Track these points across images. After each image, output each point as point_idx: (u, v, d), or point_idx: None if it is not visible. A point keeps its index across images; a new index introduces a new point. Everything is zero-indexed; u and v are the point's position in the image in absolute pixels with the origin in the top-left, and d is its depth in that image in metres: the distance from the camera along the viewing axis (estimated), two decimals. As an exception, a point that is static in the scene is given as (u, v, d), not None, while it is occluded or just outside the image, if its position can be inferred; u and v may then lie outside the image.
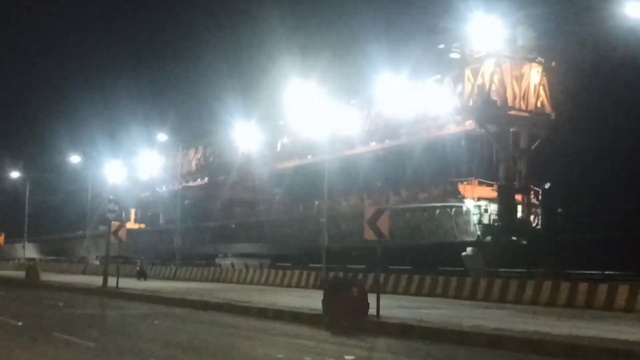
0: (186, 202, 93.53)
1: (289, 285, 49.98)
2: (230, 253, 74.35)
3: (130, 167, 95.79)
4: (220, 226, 75.28)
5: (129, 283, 42.44)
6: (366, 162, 63.02)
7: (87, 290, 39.09)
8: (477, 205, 49.17)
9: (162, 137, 70.54)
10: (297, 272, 50.65)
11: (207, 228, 75.49)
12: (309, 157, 69.08)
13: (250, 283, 54.01)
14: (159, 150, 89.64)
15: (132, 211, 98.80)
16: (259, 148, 73.17)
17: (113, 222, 38.99)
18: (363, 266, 51.51)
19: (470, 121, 51.25)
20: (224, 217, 76.84)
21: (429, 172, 55.47)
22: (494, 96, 49.06)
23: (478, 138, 51.75)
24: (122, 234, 38.15)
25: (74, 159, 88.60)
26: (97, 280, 44.89)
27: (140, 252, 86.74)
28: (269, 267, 67.07)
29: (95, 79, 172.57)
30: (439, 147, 55.07)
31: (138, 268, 56.17)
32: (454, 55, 50.38)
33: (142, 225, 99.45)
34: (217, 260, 74.91)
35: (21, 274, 53.09)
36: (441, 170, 53.97)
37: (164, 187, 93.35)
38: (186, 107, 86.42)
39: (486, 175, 50.74)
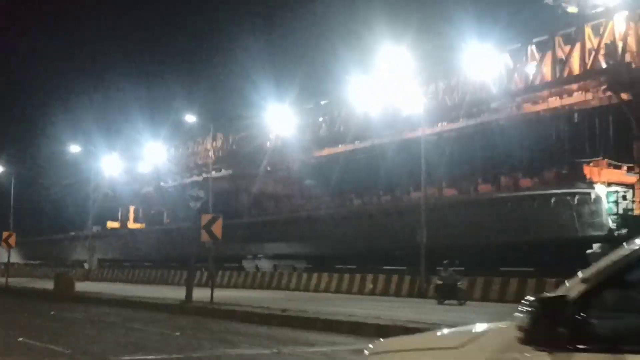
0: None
1: (358, 292, 40.85)
2: (262, 254, 64.48)
3: (130, 159, 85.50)
4: (249, 224, 65.21)
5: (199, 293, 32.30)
6: (431, 146, 53.53)
7: (166, 307, 28.80)
8: (611, 191, 39.77)
9: (190, 118, 60.16)
10: (369, 277, 41.45)
11: (232, 226, 65.18)
12: (357, 142, 59.49)
13: (296, 289, 45.70)
14: (166, 140, 79.43)
15: (131, 209, 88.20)
16: (294, 133, 63.20)
17: (204, 215, 28.85)
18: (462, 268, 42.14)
19: (589, 90, 42.01)
20: (253, 213, 66.80)
21: (528, 153, 46.10)
22: (629, 58, 39.79)
23: (597, 111, 42.53)
24: (216, 229, 27.91)
25: (73, 148, 78.23)
26: (145, 291, 35.35)
27: (144, 256, 76.62)
28: (304, 269, 57.67)
29: (93, 64, 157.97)
30: (539, 124, 45.76)
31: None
32: (572, 9, 41.10)
33: (142, 225, 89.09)
34: (245, 263, 65.14)
35: (44, 284, 42.35)
36: (549, 151, 44.63)
37: (169, 181, 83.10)
38: (203, 91, 75.65)
39: (615, 155, 41.53)
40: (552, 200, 41.25)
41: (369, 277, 41.95)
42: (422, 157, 39.29)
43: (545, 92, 44.05)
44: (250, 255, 65.12)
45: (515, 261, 42.27)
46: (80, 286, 42.32)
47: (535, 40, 44.76)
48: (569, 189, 40.48)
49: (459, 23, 46.31)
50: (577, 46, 41.98)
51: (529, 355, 3.69)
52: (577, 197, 40.17)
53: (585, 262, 40.80)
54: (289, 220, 61.76)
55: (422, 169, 39.40)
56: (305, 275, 48.37)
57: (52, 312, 26.01)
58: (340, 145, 61.72)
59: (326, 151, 62.89)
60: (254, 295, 39.32)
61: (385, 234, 51.13)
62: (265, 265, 63.03)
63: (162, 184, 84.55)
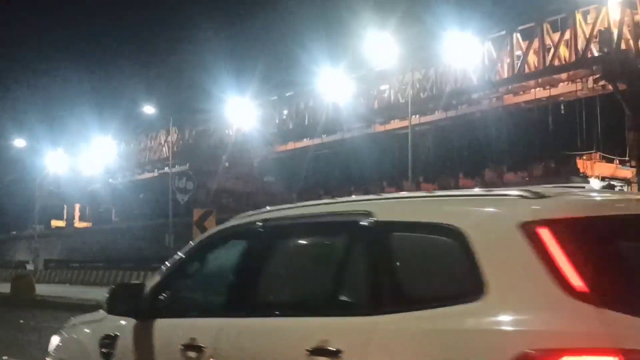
0: (141, 195, 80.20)
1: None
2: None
3: (77, 155, 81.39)
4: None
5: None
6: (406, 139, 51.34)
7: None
8: (607, 186, 37.79)
9: (148, 110, 56.62)
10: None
11: (189, 224, 61.87)
12: (324, 135, 56.84)
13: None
14: (116, 135, 75.62)
15: (77, 207, 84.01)
16: (257, 127, 60.23)
17: (196, 210, 25.87)
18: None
19: (578, 80, 40.11)
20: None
21: (512, 147, 44.05)
22: (623, 45, 37.88)
23: (586, 101, 40.69)
24: (210, 226, 24.90)
25: (17, 143, 74.15)
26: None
27: (94, 256, 72.82)
28: None
29: (38, 54, 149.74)
30: (523, 115, 43.79)
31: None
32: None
33: (89, 224, 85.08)
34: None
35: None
36: (536, 143, 42.64)
37: (119, 178, 79.31)
38: (158, 83, 71.92)
39: (605, 148, 39.71)
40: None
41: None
42: (410, 148, 36.91)
43: (530, 82, 42.01)
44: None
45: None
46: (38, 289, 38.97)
47: (520, 27, 42.64)
48: (561, 183, 38.38)
49: (438, 10, 44.06)
50: (567, 33, 39.98)
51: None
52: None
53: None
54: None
55: (409, 160, 36.98)
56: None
57: (21, 321, 22.78)
58: (306, 139, 59.03)
59: (291, 145, 60.12)
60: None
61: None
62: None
63: (110, 180, 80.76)
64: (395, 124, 51.79)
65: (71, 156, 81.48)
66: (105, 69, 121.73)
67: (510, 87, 43.17)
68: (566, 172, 38.77)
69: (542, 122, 43.01)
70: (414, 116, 50.36)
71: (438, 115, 48.32)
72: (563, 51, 40.56)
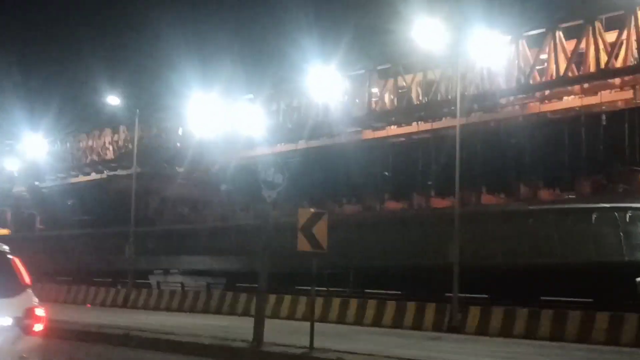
0: (70, 202, 72.16)
1: (354, 322, 32.54)
2: (175, 268, 54.54)
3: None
4: (161, 233, 55.00)
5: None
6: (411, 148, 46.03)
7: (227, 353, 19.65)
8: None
9: (113, 100, 48.92)
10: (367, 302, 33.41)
11: (141, 235, 54.55)
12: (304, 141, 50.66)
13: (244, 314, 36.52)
14: (49, 133, 67.47)
15: (9, 213, 75.24)
16: (224, 128, 53.63)
17: (301, 210, 19.46)
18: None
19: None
20: (166, 220, 56.50)
21: (543, 160, 39.05)
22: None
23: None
24: (320, 233, 18.53)
25: None
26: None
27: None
28: (225, 289, 48.61)
29: None
30: (556, 126, 38.98)
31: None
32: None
33: (7, 231, 76.07)
34: (152, 279, 55.03)
35: None
36: (575, 157, 37.72)
37: (47, 181, 71.02)
38: (105, 76, 63.57)
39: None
40: (593, 216, 34.17)
41: (366, 302, 33.59)
42: (457, 155, 31.31)
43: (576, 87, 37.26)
44: (160, 270, 55.03)
45: (540, 289, 35.11)
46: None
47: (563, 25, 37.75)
48: (618, 202, 33.55)
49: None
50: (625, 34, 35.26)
51: None
52: (629, 214, 33.28)
53: (634, 291, 34.20)
54: (216, 230, 52.09)
55: (457, 167, 31.37)
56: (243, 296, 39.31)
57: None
58: (281, 144, 52.72)
59: (262, 150, 53.72)
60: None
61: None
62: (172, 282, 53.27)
63: (36, 183, 72.43)
64: (392, 130, 46.47)
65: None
66: (36, 58, 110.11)
67: (547, 92, 38.27)
68: (625, 190, 33.99)
69: (578, 133, 38.13)
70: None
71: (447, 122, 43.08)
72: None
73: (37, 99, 68.29)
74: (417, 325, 31.31)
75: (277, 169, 19.60)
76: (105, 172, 63.13)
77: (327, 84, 46.71)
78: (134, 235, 49.26)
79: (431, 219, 39.67)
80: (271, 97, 51.78)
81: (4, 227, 75.46)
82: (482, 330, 29.69)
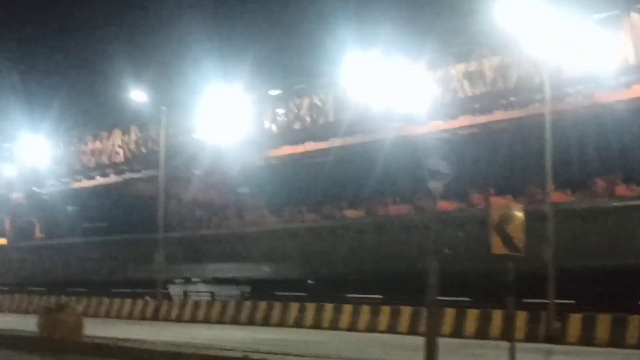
0: (72, 208, 68.52)
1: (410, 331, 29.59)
2: (197, 277, 51.30)
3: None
4: (181, 239, 51.55)
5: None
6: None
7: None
8: None
9: (138, 95, 45.17)
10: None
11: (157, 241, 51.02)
12: (332, 139, 47.36)
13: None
14: (48, 136, 63.65)
15: (7, 221, 71.18)
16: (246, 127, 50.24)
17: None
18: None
19: None
20: (187, 225, 53.06)
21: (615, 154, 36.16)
22: None
23: None
24: (516, 231, 15.38)
25: None
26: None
27: (26, 279, 60.66)
28: (249, 297, 45.79)
29: None
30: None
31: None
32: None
33: (3, 241, 72.00)
34: (172, 289, 51.68)
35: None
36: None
37: (48, 186, 67.14)
38: (115, 73, 59.38)
39: None
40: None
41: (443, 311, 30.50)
42: (548, 145, 28.31)
43: None
44: (181, 278, 51.71)
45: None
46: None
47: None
48: None
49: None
50: None
51: None
52: None
53: None
54: (244, 235, 48.79)
55: (547, 162, 28.36)
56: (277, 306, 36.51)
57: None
58: (300, 144, 49.51)
59: (281, 151, 50.43)
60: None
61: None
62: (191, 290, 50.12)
63: (34, 189, 68.52)
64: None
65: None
66: (36, 57, 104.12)
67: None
68: None
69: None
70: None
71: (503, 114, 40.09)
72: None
73: (37, 100, 64.67)
74: (505, 336, 28.36)
75: (443, 156, 16.39)
76: (111, 175, 59.49)
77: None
78: (152, 242, 46.08)
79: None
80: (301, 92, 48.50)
81: (1, 236, 71.54)
82: (587, 339, 26.79)
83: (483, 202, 38.55)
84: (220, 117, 50.22)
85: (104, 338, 20.85)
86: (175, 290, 51.71)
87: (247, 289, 49.94)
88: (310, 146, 48.08)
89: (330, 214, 44.53)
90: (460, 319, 30.31)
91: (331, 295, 40.28)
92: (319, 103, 46.68)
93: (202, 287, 50.53)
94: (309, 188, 47.25)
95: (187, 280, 51.32)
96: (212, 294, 45.85)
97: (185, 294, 48.53)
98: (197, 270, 50.52)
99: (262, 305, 39.07)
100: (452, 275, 37.11)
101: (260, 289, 46.44)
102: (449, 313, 30.63)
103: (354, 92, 44.47)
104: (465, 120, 42.45)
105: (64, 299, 43.68)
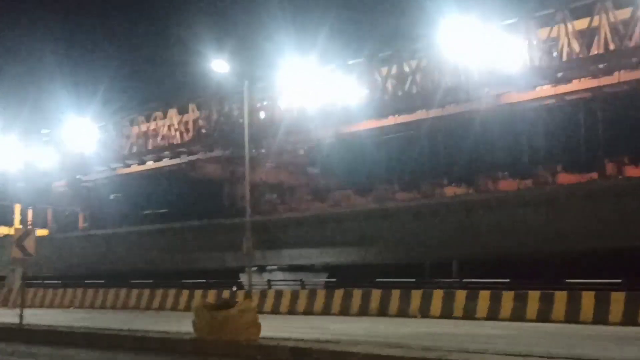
0: (112, 195, 64.68)
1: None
2: (274, 264, 47.47)
3: (36, 143, 64.92)
4: (253, 224, 47.56)
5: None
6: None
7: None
8: None
9: (220, 64, 40.84)
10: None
11: (228, 227, 47.04)
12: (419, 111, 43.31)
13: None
14: (95, 118, 59.68)
15: (17, 208, 66.85)
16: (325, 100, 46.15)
17: None
18: None
19: None
20: (261, 210, 48.97)
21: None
22: None
23: None
24: None
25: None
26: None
27: (78, 271, 56.76)
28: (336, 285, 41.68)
29: None
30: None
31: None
32: None
33: (45, 232, 68.04)
34: (243, 278, 47.78)
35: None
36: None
37: (93, 174, 63.23)
38: (165, 51, 54.77)
39: None
40: None
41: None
42: None
43: None
44: (254, 266, 47.73)
45: None
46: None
47: None
48: None
49: None
50: None
51: None
52: None
53: None
54: (324, 218, 44.83)
55: None
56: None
57: None
58: (385, 118, 45.38)
59: (365, 125, 46.35)
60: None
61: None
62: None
63: (78, 177, 64.65)
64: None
65: (30, 145, 64.92)
66: (81, 35, 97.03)
67: None
68: None
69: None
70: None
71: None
72: None
73: (83, 81, 60.62)
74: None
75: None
76: (166, 159, 55.53)
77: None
78: (223, 228, 42.22)
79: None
80: (382, 61, 44.42)
81: (43, 227, 67.60)
82: None
83: (616, 171, 34.63)
84: (297, 92, 46.25)
85: (286, 339, 16.98)
86: (245, 278, 47.96)
87: (324, 276, 46.31)
88: (396, 119, 44.11)
89: (429, 192, 40.51)
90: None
91: (437, 280, 36.54)
92: (407, 69, 42.60)
93: (278, 275, 46.62)
94: (398, 165, 43.23)
95: (261, 269, 47.39)
96: (302, 282, 41.88)
97: (269, 283, 44.62)
98: (273, 256, 46.60)
99: (357, 293, 35.38)
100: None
101: (346, 276, 42.52)
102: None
103: (449, 57, 40.44)
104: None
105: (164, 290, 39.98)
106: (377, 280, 38.49)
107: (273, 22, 47.41)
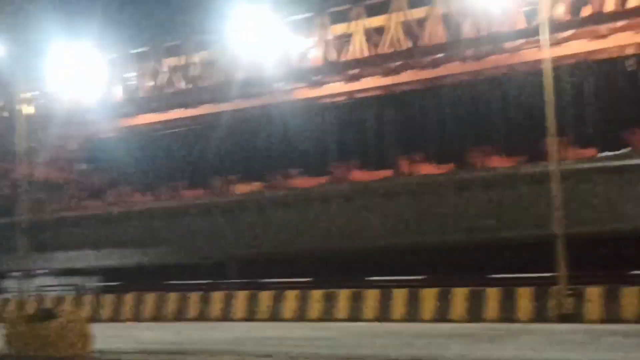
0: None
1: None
2: (46, 268, 43.84)
3: None
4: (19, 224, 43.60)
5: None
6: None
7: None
8: None
9: None
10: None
11: None
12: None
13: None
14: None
15: None
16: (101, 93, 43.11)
17: None
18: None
19: None
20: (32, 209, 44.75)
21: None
22: None
23: None
24: None
25: None
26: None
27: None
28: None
29: None
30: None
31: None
32: None
33: None
34: (9, 283, 44.03)
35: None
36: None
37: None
38: None
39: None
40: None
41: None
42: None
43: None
44: (21, 270, 43.81)
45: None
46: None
47: None
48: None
49: None
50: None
51: None
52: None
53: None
54: (105, 218, 41.80)
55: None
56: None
57: None
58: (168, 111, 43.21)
59: (141, 119, 43.81)
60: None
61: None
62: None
63: None
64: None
65: None
66: None
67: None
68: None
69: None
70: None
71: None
72: None
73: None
74: (506, 317, 24.86)
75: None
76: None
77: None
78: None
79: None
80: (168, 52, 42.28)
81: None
82: (611, 316, 23.78)
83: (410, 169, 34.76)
84: (72, 82, 42.90)
85: (126, 353, 14.63)
86: (13, 283, 44.01)
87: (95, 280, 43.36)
88: (184, 113, 42.21)
89: (220, 189, 38.80)
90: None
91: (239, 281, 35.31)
92: (196, 61, 40.83)
93: (50, 280, 43.11)
94: (185, 161, 41.18)
95: (27, 273, 43.47)
96: (77, 286, 38.73)
97: (39, 288, 41.00)
98: (44, 260, 42.99)
99: (151, 297, 33.56)
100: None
101: (132, 279, 40.02)
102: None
103: (241, 50, 39.07)
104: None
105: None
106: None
107: (45, 5, 43.14)
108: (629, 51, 32.94)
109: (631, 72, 33.11)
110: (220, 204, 37.86)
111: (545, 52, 25.31)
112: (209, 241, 37.95)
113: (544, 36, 28.50)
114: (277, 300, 29.42)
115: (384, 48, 36.50)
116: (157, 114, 43.39)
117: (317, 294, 28.59)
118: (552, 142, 28.49)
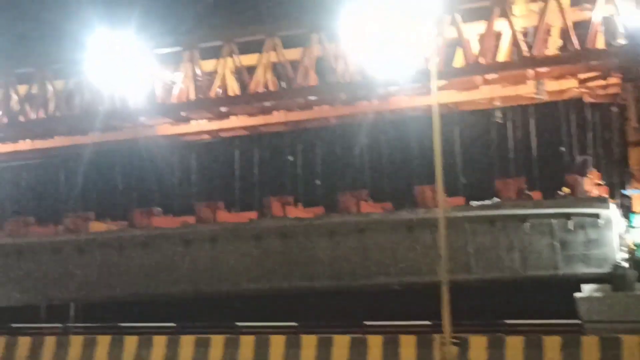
0: None
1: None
2: None
3: None
4: None
5: None
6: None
7: None
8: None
9: None
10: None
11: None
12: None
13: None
14: None
15: None
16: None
17: None
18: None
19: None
20: None
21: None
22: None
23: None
24: None
25: None
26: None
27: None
28: None
29: None
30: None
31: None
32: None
33: None
34: None
35: None
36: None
37: None
38: None
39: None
40: (526, 225, 29.81)
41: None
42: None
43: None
44: None
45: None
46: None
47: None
48: (563, 208, 29.53)
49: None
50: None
51: None
52: (572, 222, 29.42)
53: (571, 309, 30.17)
54: None
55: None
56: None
57: None
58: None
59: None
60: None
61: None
62: None
63: None
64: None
65: None
66: None
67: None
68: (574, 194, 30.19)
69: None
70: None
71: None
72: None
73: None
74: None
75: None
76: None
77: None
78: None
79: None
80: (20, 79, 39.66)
81: None
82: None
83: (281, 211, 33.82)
84: None
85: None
86: None
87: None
88: (33, 144, 39.68)
89: (73, 227, 36.37)
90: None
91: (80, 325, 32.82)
92: (50, 89, 38.48)
93: None
94: (35, 196, 38.58)
95: None
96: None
97: None
98: None
99: None
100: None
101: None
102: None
103: (102, 81, 37.14)
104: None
105: None
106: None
107: None
108: (497, 103, 33.67)
109: (500, 124, 33.89)
110: (71, 242, 35.47)
111: (433, 98, 24.97)
112: (56, 282, 35.44)
113: (425, 83, 28.48)
114: (117, 346, 27.26)
115: (254, 87, 35.62)
116: (3, 144, 40.54)
117: (186, 340, 26.85)
118: (429, 190, 28.45)
